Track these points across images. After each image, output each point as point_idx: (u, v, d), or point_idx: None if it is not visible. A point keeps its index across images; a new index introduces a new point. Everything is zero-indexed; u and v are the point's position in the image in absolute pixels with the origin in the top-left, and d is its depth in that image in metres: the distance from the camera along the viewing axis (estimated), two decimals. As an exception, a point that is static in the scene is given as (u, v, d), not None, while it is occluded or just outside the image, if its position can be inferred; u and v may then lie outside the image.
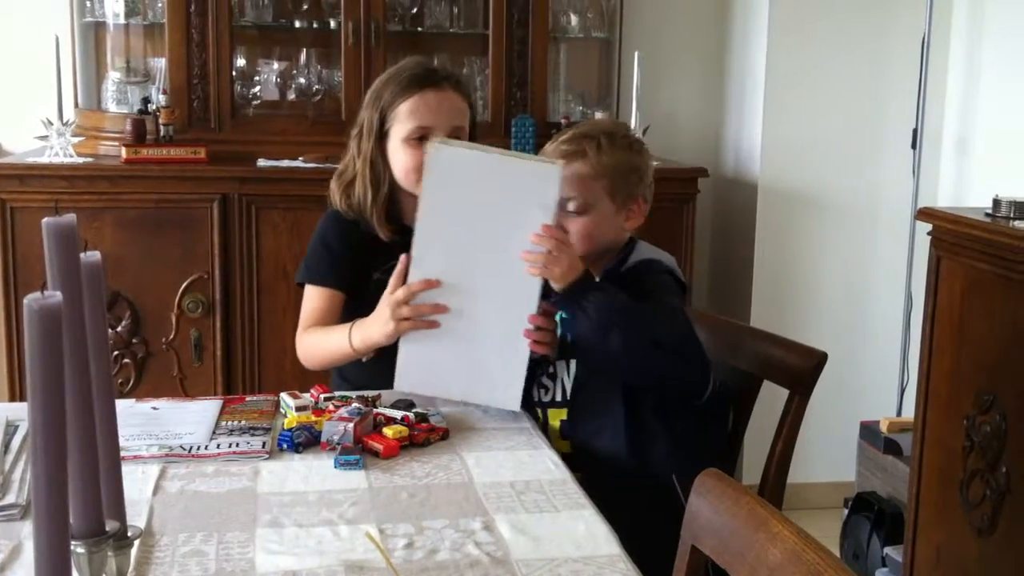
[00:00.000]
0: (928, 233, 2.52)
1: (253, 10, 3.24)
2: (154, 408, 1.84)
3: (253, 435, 1.70)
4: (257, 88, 3.32)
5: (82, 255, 0.99)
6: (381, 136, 2.03)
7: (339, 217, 2.07)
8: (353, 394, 1.83)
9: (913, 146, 3.42)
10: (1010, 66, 3.18)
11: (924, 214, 2.55)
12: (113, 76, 3.27)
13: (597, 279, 1.79)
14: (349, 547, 1.32)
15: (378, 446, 1.64)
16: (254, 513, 1.42)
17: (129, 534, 1.09)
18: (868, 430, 3.25)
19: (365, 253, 2.03)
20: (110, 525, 1.03)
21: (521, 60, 3.25)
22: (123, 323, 2.98)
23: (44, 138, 2.98)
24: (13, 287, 2.90)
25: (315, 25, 3.29)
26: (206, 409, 1.83)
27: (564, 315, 1.78)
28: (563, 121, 3.21)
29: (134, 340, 3.00)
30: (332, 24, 3.23)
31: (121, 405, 1.61)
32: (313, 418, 1.72)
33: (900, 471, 3.01)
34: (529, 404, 1.90)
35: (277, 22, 3.29)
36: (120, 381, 2.98)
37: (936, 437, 2.51)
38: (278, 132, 3.19)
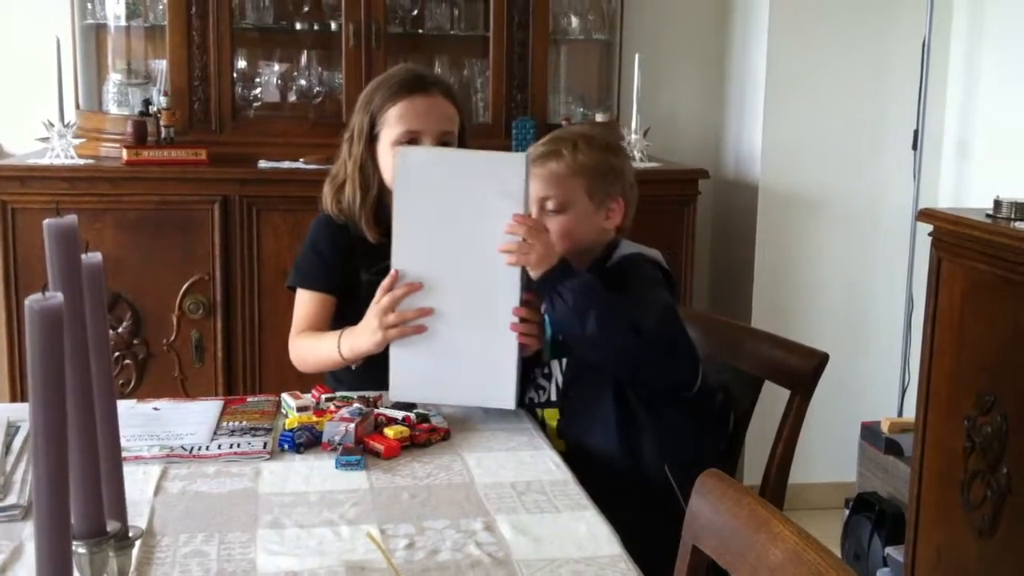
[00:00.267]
0: (929, 234, 2.52)
1: (254, 12, 3.25)
2: (155, 409, 1.84)
3: (254, 436, 1.71)
4: (258, 90, 3.32)
5: (83, 256, 0.99)
6: (371, 140, 2.06)
7: (329, 222, 2.09)
8: (354, 394, 1.83)
9: (914, 147, 3.42)
10: (1010, 67, 3.18)
11: (925, 215, 2.56)
12: (114, 78, 3.28)
13: None
14: (350, 547, 1.32)
15: (379, 446, 1.64)
16: (255, 513, 1.42)
17: (130, 534, 1.09)
18: (869, 431, 3.25)
19: (355, 256, 2.05)
20: (111, 525, 1.03)
21: (521, 62, 3.25)
22: (124, 324, 2.98)
23: (45, 140, 2.98)
24: (14, 288, 2.91)
25: (316, 27, 3.29)
26: (207, 410, 1.84)
27: (544, 308, 1.78)
28: (564, 123, 3.22)
29: (135, 341, 3.01)
30: (333, 26, 3.23)
31: (122, 406, 1.61)
32: (314, 418, 1.72)
33: (901, 472, 3.01)
34: (527, 406, 1.90)
35: (278, 24, 3.29)
36: (121, 382, 2.98)
37: (937, 438, 2.51)
38: (279, 134, 3.19)
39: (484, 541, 1.35)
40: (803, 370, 1.83)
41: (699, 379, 1.79)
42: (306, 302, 2.06)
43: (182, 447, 1.65)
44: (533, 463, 1.63)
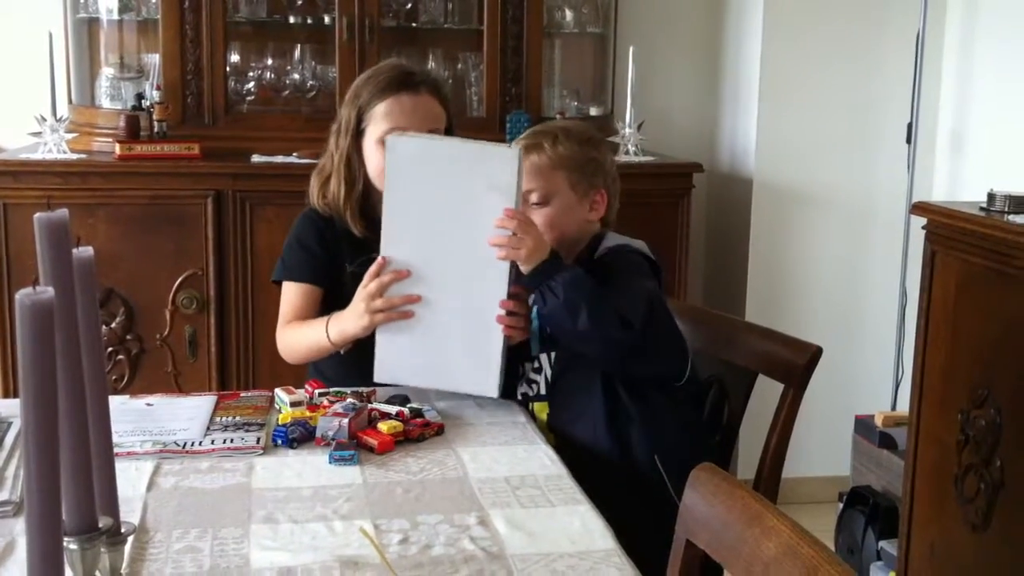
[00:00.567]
0: (923, 227, 2.52)
1: (247, 6, 3.24)
2: (148, 404, 1.84)
3: (248, 431, 1.70)
4: (251, 84, 3.31)
5: (74, 250, 0.99)
6: (358, 134, 2.07)
7: (314, 216, 2.10)
8: (348, 390, 1.83)
9: (908, 141, 3.42)
10: (1004, 60, 3.18)
11: (919, 208, 2.55)
12: (107, 72, 3.27)
13: None
14: (344, 543, 1.32)
15: (373, 441, 1.63)
16: (248, 509, 1.42)
17: (123, 530, 1.09)
18: (863, 424, 3.25)
19: (339, 249, 2.07)
20: (103, 521, 1.03)
21: (516, 56, 3.25)
22: (117, 319, 2.98)
23: (38, 134, 2.97)
24: (7, 284, 2.90)
25: (309, 21, 3.28)
26: (200, 405, 1.83)
27: (533, 301, 1.78)
28: (558, 116, 3.21)
29: (128, 336, 3.00)
30: (326, 20, 3.22)
31: (115, 401, 1.61)
32: (308, 414, 1.72)
33: (895, 465, 3.01)
34: (520, 400, 1.90)
35: (271, 18, 3.28)
36: (114, 377, 2.98)
37: (931, 431, 2.51)
38: (272, 128, 3.18)
39: (478, 536, 1.35)
40: (797, 364, 1.83)
41: (688, 369, 1.79)
42: (293, 294, 2.07)
43: (175, 442, 1.65)
44: (527, 458, 1.63)
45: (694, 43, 3.75)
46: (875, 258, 3.57)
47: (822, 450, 3.51)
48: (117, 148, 2.98)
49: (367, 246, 1.98)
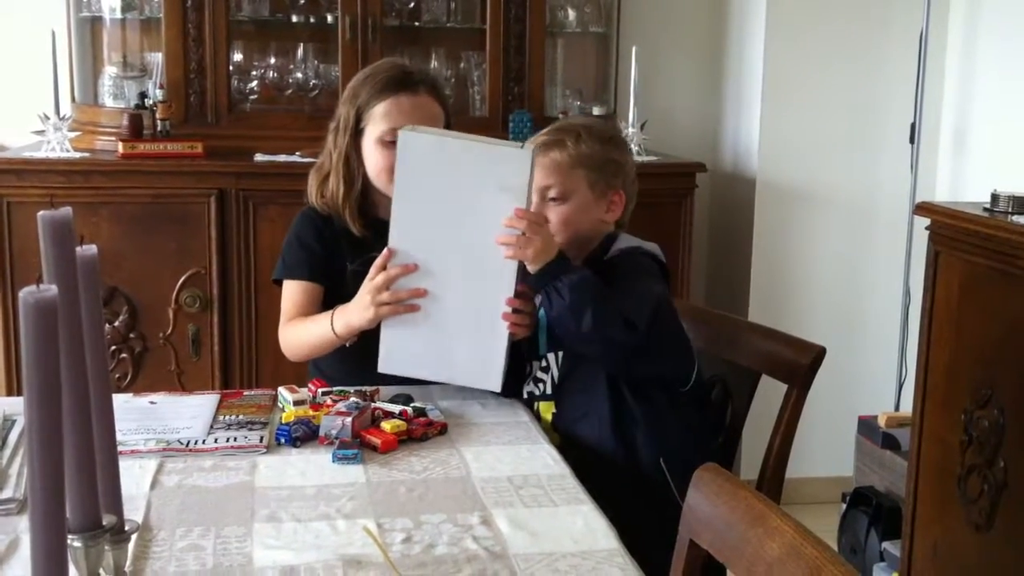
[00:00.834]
0: (926, 228, 2.52)
1: (250, 5, 3.24)
2: (152, 403, 1.84)
3: (251, 429, 1.70)
4: (254, 83, 3.31)
5: (78, 249, 0.99)
6: (356, 133, 2.07)
7: (313, 215, 2.10)
8: (351, 389, 1.83)
9: (911, 141, 3.41)
10: (1007, 60, 3.18)
11: (922, 209, 2.55)
12: (110, 71, 3.27)
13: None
14: (347, 542, 1.32)
15: (376, 440, 1.63)
16: (252, 507, 1.42)
17: (126, 528, 1.09)
18: (866, 425, 3.25)
19: (338, 247, 2.07)
20: (107, 519, 1.03)
21: (518, 55, 3.25)
22: (120, 318, 2.98)
23: (41, 133, 2.97)
24: (10, 283, 2.90)
25: (312, 20, 3.28)
26: (203, 404, 1.83)
27: (540, 301, 1.78)
28: (560, 116, 3.21)
29: (131, 335, 3.00)
30: (329, 19, 3.22)
31: (119, 399, 1.62)
32: (311, 412, 1.72)
33: (898, 466, 3.01)
34: (526, 400, 1.90)
35: (274, 17, 3.28)
36: (118, 376, 2.98)
37: (934, 432, 2.51)
38: (275, 127, 3.18)
39: (481, 535, 1.34)
40: (800, 364, 1.83)
41: (695, 373, 1.79)
42: (294, 292, 2.07)
43: (178, 441, 1.65)
44: (530, 457, 1.63)
45: (697, 43, 3.75)
46: (878, 258, 3.56)
47: (825, 450, 3.50)
48: (120, 147, 2.98)
49: (366, 245, 1.99)
